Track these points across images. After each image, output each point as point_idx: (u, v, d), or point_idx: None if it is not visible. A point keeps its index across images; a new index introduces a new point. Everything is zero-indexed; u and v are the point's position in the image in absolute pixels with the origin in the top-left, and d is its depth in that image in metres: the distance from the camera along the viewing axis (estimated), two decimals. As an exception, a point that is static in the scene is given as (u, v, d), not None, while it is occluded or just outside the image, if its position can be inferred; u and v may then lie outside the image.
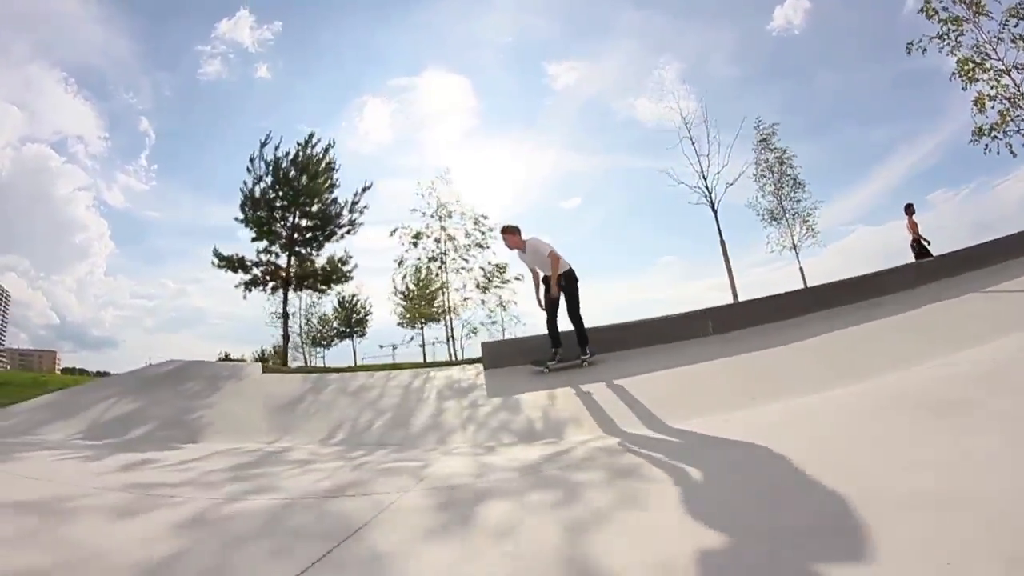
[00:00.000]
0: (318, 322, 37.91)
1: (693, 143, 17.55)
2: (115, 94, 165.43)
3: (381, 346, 35.72)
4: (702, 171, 17.22)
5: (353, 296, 35.29)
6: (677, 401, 3.77)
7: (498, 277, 18.12)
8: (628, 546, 1.53)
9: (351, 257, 17.23)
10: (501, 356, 6.59)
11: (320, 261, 16.74)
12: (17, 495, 2.41)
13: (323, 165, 16.56)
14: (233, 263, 15.57)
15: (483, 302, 18.33)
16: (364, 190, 16.97)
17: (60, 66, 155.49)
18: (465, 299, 18.41)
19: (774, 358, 4.63)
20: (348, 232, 16.70)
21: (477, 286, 17.62)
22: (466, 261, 17.89)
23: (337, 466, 3.14)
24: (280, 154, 16.14)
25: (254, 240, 15.80)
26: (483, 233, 17.86)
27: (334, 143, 17.04)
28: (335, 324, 37.58)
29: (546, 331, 5.94)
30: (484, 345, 7.01)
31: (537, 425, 3.97)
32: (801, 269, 18.69)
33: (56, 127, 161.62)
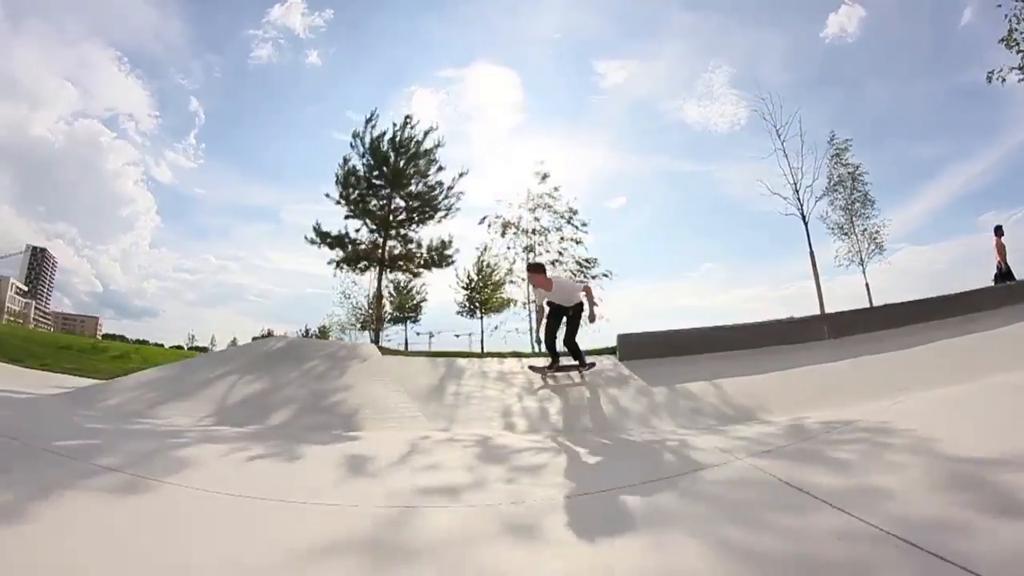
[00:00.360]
0: (368, 305, 39.24)
1: (786, 154, 18.60)
2: (166, 74, 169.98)
3: (418, 333, 36.98)
4: (795, 183, 18.41)
5: (409, 282, 36.78)
6: (838, 390, 4.55)
7: (589, 270, 18.32)
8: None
9: (452, 241, 17.23)
10: (639, 347, 7.42)
11: (423, 243, 16.96)
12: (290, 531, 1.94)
13: (422, 148, 16.68)
14: (332, 239, 16.17)
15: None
16: (461, 175, 17.05)
17: (114, 46, 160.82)
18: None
19: (904, 358, 5.41)
20: (445, 216, 16.90)
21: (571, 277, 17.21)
22: (560, 254, 18.28)
23: (603, 456, 3.34)
24: (376, 134, 16.44)
25: (347, 218, 16.27)
26: (577, 228, 18.41)
27: (437, 126, 16.97)
28: (389, 309, 39.02)
29: (546, 347, 6.55)
30: (620, 337, 7.69)
31: (725, 409, 4.51)
32: (867, 285, 19.65)
33: (108, 104, 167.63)
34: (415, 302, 37.34)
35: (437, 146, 16.94)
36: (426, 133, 16.86)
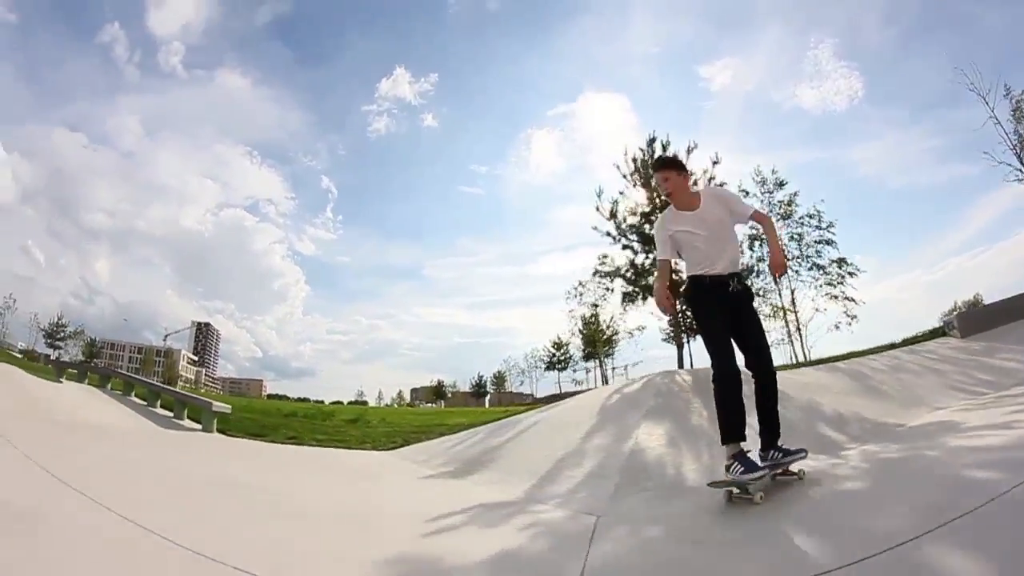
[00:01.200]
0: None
1: (997, 120, 18.14)
2: (295, 159, 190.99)
3: (613, 368, 34.02)
4: (1018, 150, 17.88)
5: (592, 315, 34.13)
6: None
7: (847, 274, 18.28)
8: None
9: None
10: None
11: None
12: None
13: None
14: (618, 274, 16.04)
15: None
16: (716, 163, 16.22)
17: (244, 143, 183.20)
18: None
19: None
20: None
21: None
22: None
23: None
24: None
25: (625, 248, 15.65)
26: (822, 228, 18.49)
27: (696, 145, 15.82)
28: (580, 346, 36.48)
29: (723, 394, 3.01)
30: (961, 315, 8.58)
31: None
32: None
33: (248, 193, 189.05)
34: (608, 335, 34.20)
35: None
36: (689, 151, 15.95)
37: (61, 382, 11.63)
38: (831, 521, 2.41)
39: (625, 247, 15.63)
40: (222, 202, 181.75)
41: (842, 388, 7.04)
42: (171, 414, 10.25)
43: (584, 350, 37.42)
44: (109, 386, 13.04)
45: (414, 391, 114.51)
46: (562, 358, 60.62)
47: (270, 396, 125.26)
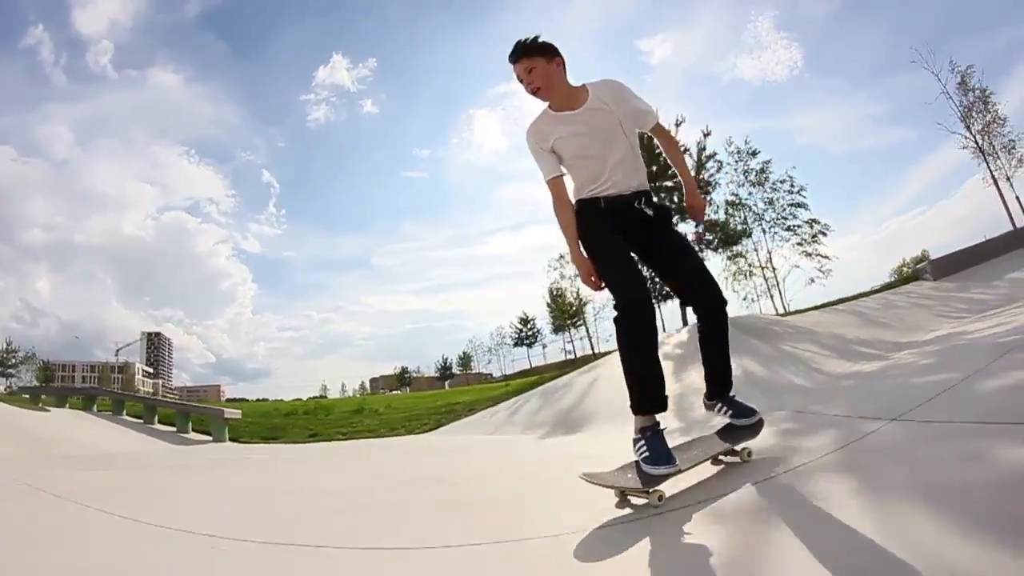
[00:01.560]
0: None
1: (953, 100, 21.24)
2: (233, 155, 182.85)
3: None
4: (968, 126, 20.93)
5: (558, 287, 34.51)
6: None
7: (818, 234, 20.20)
8: None
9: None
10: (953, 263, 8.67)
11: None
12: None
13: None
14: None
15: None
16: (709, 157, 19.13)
17: (179, 143, 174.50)
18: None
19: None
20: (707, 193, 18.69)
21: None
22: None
23: None
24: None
25: None
26: (794, 192, 20.20)
27: (682, 119, 18.80)
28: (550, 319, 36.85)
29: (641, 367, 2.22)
30: (934, 261, 9.24)
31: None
32: (1019, 198, 20.75)
33: (187, 194, 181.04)
34: (574, 309, 34.76)
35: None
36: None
37: (48, 411, 11.00)
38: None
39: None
40: (162, 206, 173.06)
41: (851, 323, 8.13)
42: (173, 428, 9.89)
43: (554, 323, 38.31)
44: (95, 408, 12.44)
45: (373, 380, 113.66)
46: (530, 333, 61.44)
47: (229, 400, 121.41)
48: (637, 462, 2.07)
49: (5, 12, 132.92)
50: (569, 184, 2.36)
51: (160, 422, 10.54)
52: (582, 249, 2.27)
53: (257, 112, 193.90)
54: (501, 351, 73.39)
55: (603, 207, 2.25)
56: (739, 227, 19.92)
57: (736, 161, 20.62)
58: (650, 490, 1.96)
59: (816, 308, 12.58)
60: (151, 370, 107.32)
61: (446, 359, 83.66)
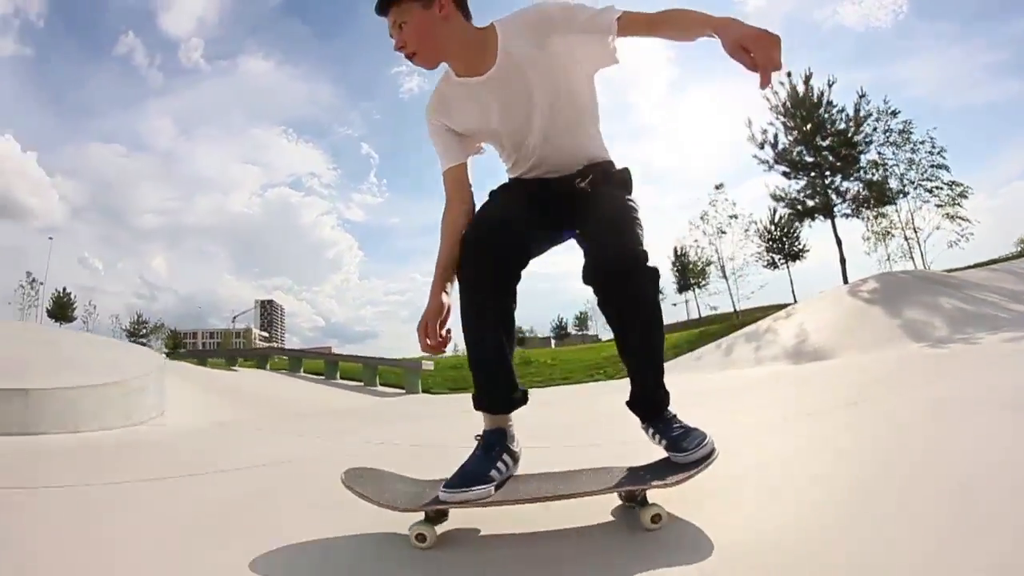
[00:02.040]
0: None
1: None
2: (331, 131, 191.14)
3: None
4: None
5: (683, 247, 33.55)
6: None
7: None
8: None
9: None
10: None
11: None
12: None
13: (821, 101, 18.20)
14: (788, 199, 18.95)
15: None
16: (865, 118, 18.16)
17: (278, 123, 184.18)
18: None
19: None
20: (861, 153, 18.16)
21: None
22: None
23: None
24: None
25: (788, 177, 18.46)
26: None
27: (835, 79, 18.49)
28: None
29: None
30: None
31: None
32: None
33: (289, 171, 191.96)
34: (698, 268, 33.44)
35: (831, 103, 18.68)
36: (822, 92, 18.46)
37: (236, 370, 11.84)
38: None
39: (785, 173, 18.29)
40: (265, 183, 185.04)
41: (1016, 280, 8.50)
42: (358, 383, 10.26)
43: (678, 282, 37.76)
44: (268, 367, 13.34)
45: None
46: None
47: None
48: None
49: (97, 24, 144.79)
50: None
51: (342, 378, 10.97)
52: (443, 291, 1.52)
53: (350, 88, 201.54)
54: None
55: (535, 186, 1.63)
56: (892, 187, 19.52)
57: (875, 120, 19.49)
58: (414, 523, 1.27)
59: (971, 267, 12.53)
60: (266, 334, 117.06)
61: (561, 319, 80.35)
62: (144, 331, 60.31)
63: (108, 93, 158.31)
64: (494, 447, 1.43)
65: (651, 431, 1.48)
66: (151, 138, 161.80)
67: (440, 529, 1.28)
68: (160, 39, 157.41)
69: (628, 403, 1.53)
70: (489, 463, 1.38)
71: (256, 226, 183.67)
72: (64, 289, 49.67)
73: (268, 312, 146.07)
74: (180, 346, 71.56)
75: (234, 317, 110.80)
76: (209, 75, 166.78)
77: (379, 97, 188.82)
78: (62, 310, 48.61)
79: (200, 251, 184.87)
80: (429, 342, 1.45)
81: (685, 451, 1.36)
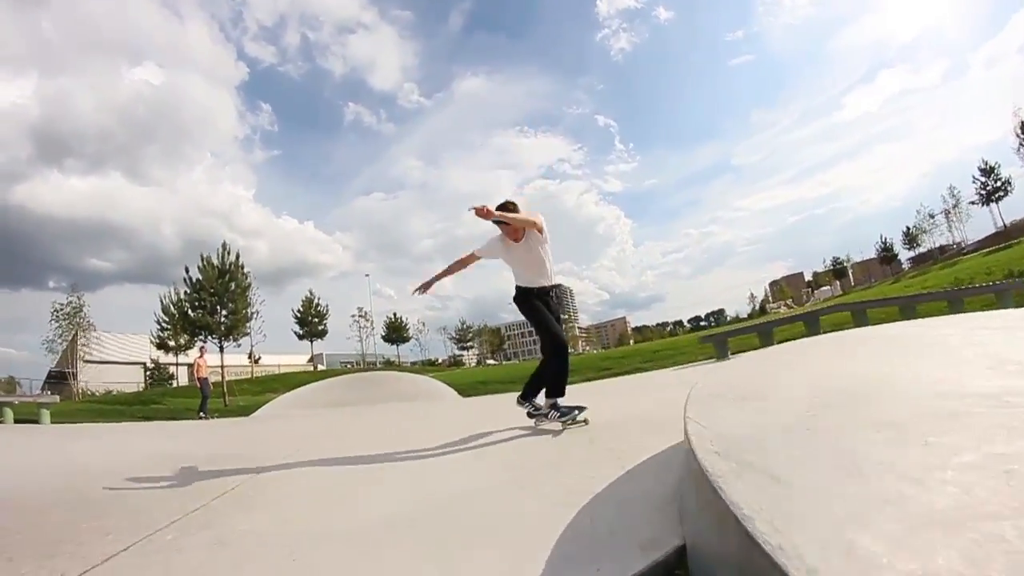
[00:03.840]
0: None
1: None
2: (563, 116, 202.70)
3: None
4: None
5: None
6: None
7: None
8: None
9: None
10: None
11: None
12: None
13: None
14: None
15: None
16: None
17: (509, 126, 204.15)
18: None
19: None
20: None
21: None
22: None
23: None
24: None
25: None
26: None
27: None
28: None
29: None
30: None
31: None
32: None
33: (538, 163, 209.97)
34: None
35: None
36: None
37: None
38: None
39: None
40: (520, 181, 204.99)
41: None
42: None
43: None
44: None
45: (773, 283, 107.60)
46: (996, 186, 50.40)
47: (634, 329, 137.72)
48: (562, 409, 3.94)
49: (319, 110, 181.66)
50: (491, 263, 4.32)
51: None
52: (440, 276, 4.39)
53: (562, 70, 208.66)
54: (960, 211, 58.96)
55: (536, 292, 4.06)
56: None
57: None
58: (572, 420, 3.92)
59: None
60: (565, 316, 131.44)
61: (886, 239, 71.95)
62: (470, 335, 72.11)
63: (354, 156, 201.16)
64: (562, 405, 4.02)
65: (549, 403, 4.03)
66: (404, 177, 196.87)
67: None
68: (377, 98, 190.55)
69: (538, 391, 4.06)
70: (570, 407, 4.01)
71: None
72: (395, 314, 58.60)
73: (559, 296, 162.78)
74: (502, 343, 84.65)
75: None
76: (432, 109, 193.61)
77: (593, 67, 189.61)
78: (397, 332, 57.39)
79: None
80: (419, 289, 4.44)
81: (556, 413, 4.02)
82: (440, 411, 7.85)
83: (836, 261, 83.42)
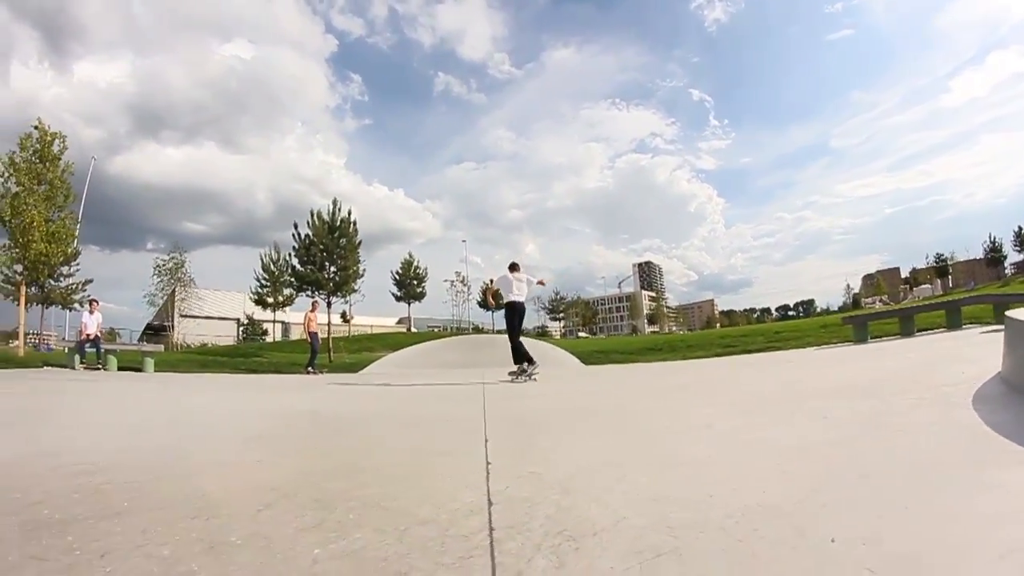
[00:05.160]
0: None
1: None
2: (655, 88, 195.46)
3: None
4: None
5: None
6: None
7: None
8: None
9: None
10: None
11: None
12: None
13: None
14: None
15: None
16: None
17: (601, 98, 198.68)
18: None
19: None
20: None
21: None
22: None
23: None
24: None
25: None
26: None
27: None
28: None
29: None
30: None
31: None
32: None
33: (630, 137, 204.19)
34: None
35: None
36: None
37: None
38: None
39: None
40: (612, 155, 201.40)
41: None
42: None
43: None
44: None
45: (867, 277, 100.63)
46: None
47: (721, 313, 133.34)
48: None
49: (409, 80, 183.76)
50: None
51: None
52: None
53: (654, 41, 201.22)
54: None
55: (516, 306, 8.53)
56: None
57: None
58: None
59: None
60: (653, 294, 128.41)
61: (994, 238, 66.09)
62: (562, 306, 73.33)
63: (444, 125, 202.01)
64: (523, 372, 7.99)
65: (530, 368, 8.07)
66: (494, 147, 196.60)
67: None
68: (467, 68, 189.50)
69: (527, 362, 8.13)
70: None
71: (614, 196, 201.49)
72: (492, 280, 61.98)
73: (647, 273, 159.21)
74: (595, 314, 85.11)
75: (620, 282, 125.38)
76: (523, 79, 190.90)
77: (686, 40, 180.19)
78: (494, 298, 59.09)
79: (566, 229, 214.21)
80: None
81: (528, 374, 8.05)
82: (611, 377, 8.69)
83: (939, 258, 78.16)
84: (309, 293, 21.18)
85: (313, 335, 14.23)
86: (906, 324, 11.53)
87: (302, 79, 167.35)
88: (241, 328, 50.62)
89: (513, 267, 8.47)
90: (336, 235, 21.79)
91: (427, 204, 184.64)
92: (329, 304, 21.81)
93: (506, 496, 1.80)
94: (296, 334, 50.07)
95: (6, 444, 2.84)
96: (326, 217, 22.07)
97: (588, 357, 15.64)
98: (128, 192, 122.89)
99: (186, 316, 41.24)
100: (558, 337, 60.30)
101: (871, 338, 11.45)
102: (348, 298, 22.25)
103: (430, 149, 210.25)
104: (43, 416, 4.40)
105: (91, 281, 21.68)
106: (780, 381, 5.54)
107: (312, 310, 14.83)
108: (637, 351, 18.39)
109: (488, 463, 2.29)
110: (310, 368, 13.46)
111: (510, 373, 7.77)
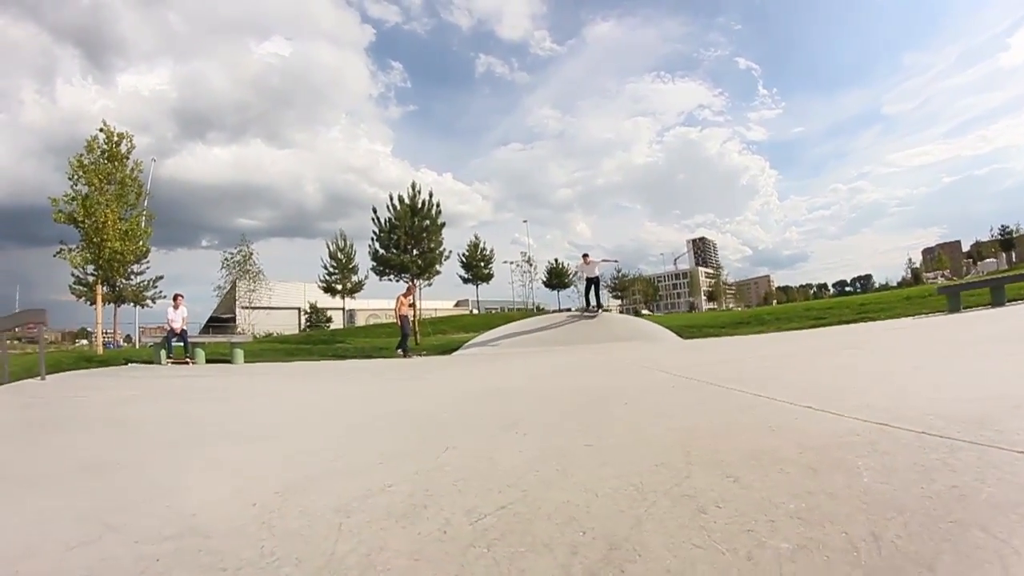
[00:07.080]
0: None
1: None
2: (699, 58, 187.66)
3: None
4: None
5: None
6: None
7: None
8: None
9: None
10: None
11: None
12: None
13: None
14: None
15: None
16: None
17: (645, 72, 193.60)
18: None
19: None
20: None
21: None
22: None
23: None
24: None
25: None
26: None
27: None
28: None
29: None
30: None
31: None
32: None
33: (678, 110, 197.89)
34: None
35: None
36: None
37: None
38: None
39: None
40: (660, 129, 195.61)
41: None
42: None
43: None
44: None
45: (927, 251, 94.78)
46: None
47: (778, 289, 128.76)
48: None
49: (448, 63, 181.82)
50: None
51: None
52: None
53: (695, 10, 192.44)
54: None
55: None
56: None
57: None
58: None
59: None
60: (712, 270, 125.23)
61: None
62: (626, 284, 73.16)
63: (488, 107, 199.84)
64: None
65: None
66: (540, 127, 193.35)
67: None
68: (507, 48, 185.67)
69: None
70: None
71: (664, 171, 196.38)
72: (556, 260, 59.11)
73: (701, 249, 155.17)
74: (656, 291, 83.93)
75: (676, 259, 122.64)
76: (566, 56, 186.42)
77: (728, 6, 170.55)
78: (559, 278, 57.91)
79: (616, 207, 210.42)
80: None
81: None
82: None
83: (1004, 230, 73.45)
84: (392, 278, 21.39)
85: (403, 318, 14.26)
86: (997, 294, 11.95)
87: (342, 70, 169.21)
88: (304, 316, 52.30)
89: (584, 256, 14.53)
90: (419, 218, 22.01)
91: (476, 187, 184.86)
92: (415, 287, 21.81)
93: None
94: (361, 320, 51.01)
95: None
96: (407, 200, 22.31)
97: (681, 332, 15.10)
98: (181, 192, 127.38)
99: (253, 308, 42.83)
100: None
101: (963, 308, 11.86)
102: (431, 280, 22.54)
103: (476, 131, 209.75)
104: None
105: (161, 278, 22.55)
106: (946, 333, 6.94)
107: (407, 294, 14.87)
108: (728, 324, 17.67)
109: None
110: (400, 350, 13.49)
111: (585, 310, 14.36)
